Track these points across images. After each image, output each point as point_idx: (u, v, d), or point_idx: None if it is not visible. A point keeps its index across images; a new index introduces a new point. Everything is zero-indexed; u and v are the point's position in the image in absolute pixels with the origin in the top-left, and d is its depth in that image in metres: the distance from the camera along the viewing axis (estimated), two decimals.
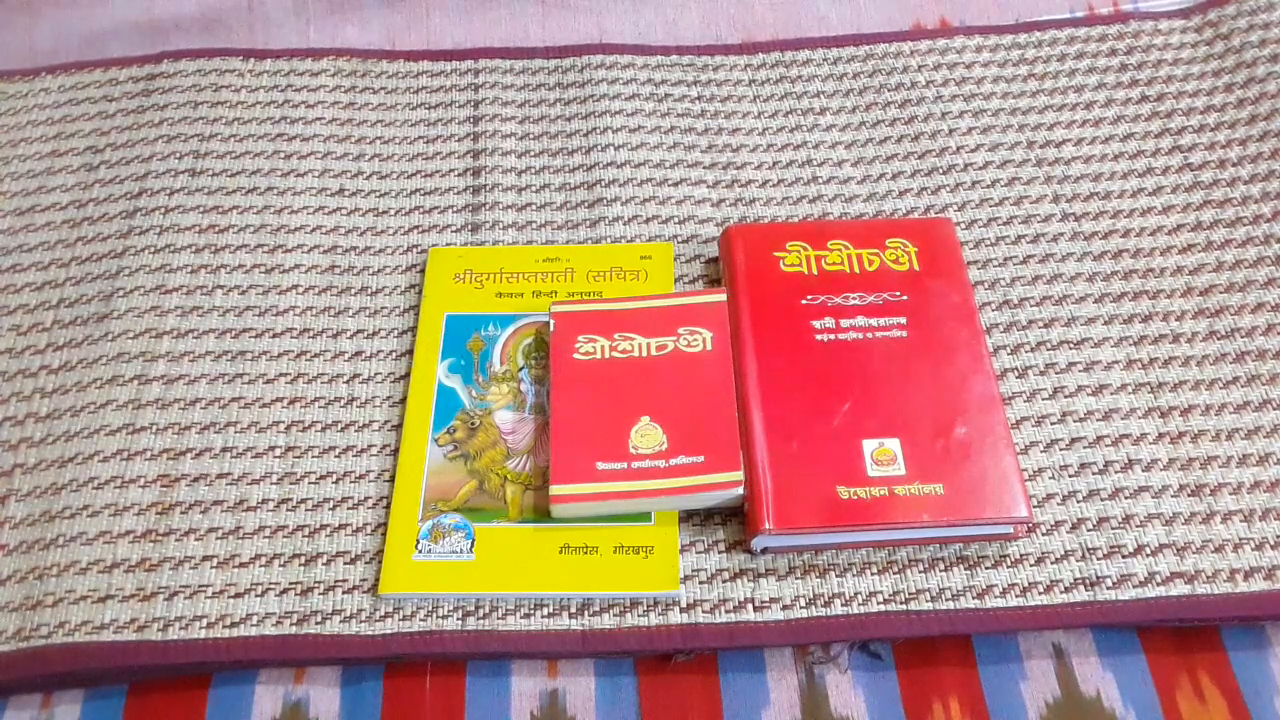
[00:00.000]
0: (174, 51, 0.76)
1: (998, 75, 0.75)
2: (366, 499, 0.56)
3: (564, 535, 0.54)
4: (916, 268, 0.61)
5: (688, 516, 0.55)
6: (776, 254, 0.61)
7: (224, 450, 0.58)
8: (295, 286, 0.64)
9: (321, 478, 0.57)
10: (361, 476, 0.57)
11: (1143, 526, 0.54)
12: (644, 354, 0.58)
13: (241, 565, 0.54)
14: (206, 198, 0.68)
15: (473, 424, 0.58)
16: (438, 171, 0.70)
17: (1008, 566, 0.53)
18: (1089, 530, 0.54)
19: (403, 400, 0.60)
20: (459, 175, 0.70)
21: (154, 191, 0.68)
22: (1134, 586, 0.52)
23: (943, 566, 0.53)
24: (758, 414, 0.55)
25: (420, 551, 0.53)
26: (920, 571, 0.53)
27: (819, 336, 0.58)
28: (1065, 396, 0.59)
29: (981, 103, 0.73)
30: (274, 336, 0.62)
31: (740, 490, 0.53)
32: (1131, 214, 0.66)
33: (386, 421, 0.59)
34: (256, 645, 0.51)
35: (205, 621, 0.52)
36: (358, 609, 0.53)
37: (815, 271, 0.61)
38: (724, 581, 0.53)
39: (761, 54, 0.77)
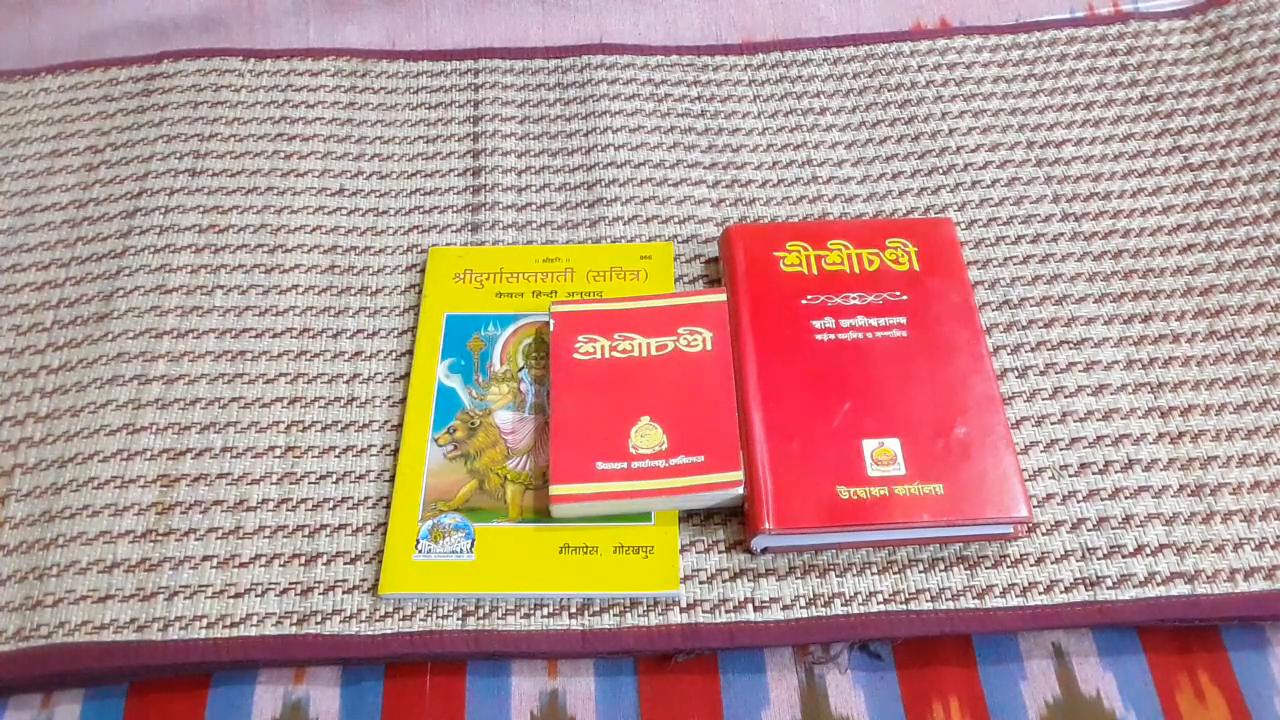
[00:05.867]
0: (174, 51, 0.76)
1: (998, 75, 0.75)
2: (366, 499, 0.56)
3: (564, 535, 0.54)
4: (916, 268, 0.61)
5: (688, 516, 0.55)
6: (776, 254, 0.61)
7: (224, 450, 0.58)
8: (295, 286, 0.64)
9: (321, 478, 0.57)
10: (361, 476, 0.57)
11: (1143, 526, 0.54)
12: (644, 354, 0.58)
13: (241, 565, 0.54)
14: (206, 198, 0.68)
15: (473, 424, 0.58)
16: (438, 171, 0.70)
17: (1008, 566, 0.53)
18: (1089, 530, 0.54)
19: (403, 400, 0.60)
20: (459, 175, 0.70)
21: (154, 191, 0.68)
22: (1134, 586, 0.52)
23: (943, 566, 0.53)
24: (758, 414, 0.55)
25: (420, 551, 0.53)
26: (920, 571, 0.53)
27: (819, 336, 0.58)
28: (1065, 396, 0.59)
29: (981, 103, 0.73)
30: (274, 336, 0.62)
31: (740, 490, 0.53)
32: (1131, 214, 0.66)
33: (386, 421, 0.59)
34: (256, 645, 0.51)
35: (205, 621, 0.52)
36: (358, 609, 0.53)
37: (815, 271, 0.61)
38: (724, 581, 0.53)
39: (761, 54, 0.77)
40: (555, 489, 0.53)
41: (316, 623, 0.52)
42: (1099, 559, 0.53)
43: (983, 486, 0.52)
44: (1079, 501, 0.55)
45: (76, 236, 0.67)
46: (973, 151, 0.70)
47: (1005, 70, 0.75)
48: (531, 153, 0.71)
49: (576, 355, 0.58)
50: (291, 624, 0.52)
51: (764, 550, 0.54)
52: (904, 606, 0.52)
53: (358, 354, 0.62)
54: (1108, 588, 0.52)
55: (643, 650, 0.51)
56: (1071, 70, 0.75)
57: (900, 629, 0.51)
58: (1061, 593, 0.52)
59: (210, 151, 0.70)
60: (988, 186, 0.68)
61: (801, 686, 0.52)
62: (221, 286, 0.64)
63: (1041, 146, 0.70)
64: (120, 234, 0.66)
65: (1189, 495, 0.55)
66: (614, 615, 0.52)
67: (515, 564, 0.53)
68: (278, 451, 0.58)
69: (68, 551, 0.54)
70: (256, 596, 0.53)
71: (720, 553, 0.54)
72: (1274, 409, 0.58)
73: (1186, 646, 0.53)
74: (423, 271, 0.65)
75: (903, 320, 0.58)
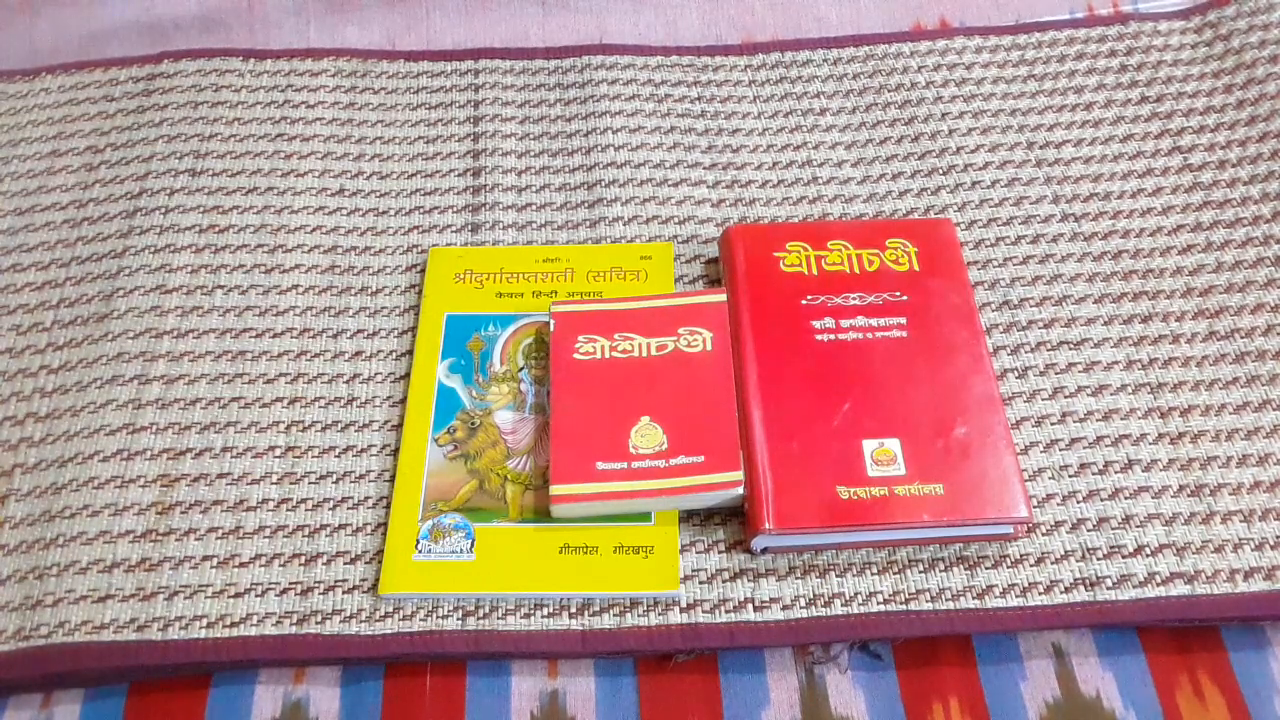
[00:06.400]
0: (174, 51, 0.76)
1: (998, 75, 0.75)
2: (366, 499, 0.56)
3: (564, 535, 0.54)
4: (916, 268, 0.61)
5: (688, 516, 0.55)
6: (776, 254, 0.61)
7: (224, 450, 0.58)
8: (295, 286, 0.64)
9: (321, 478, 0.57)
10: (361, 476, 0.57)
11: (1143, 526, 0.54)
12: (644, 354, 0.58)
13: (241, 565, 0.54)
14: (206, 198, 0.68)
15: (473, 424, 0.58)
16: (438, 171, 0.70)
17: (1008, 566, 0.53)
18: (1089, 530, 0.54)
19: (403, 400, 0.60)
20: (459, 175, 0.70)
21: (154, 191, 0.68)
22: (1134, 586, 0.52)
23: (943, 566, 0.53)
24: (758, 414, 0.55)
25: (420, 551, 0.53)
26: (920, 571, 0.53)
27: (819, 336, 0.58)
28: (1065, 396, 0.59)
29: (981, 103, 0.73)
30: (274, 336, 0.62)
31: (740, 490, 0.53)
32: (1131, 214, 0.66)
33: (386, 421, 0.59)
34: (256, 645, 0.51)
35: (205, 621, 0.52)
36: (358, 609, 0.53)
37: (815, 271, 0.61)
38: (724, 581, 0.53)
39: (761, 54, 0.77)
40: (555, 489, 0.53)
41: (316, 623, 0.52)
42: (1099, 559, 0.53)
43: (983, 486, 0.52)
44: (1079, 502, 0.55)
45: (76, 236, 0.67)
46: (973, 151, 0.70)
47: (1005, 70, 0.75)
48: (531, 153, 0.71)
49: (576, 355, 0.58)
50: (291, 624, 0.52)
51: (764, 550, 0.54)
52: (904, 606, 0.52)
53: (358, 354, 0.62)
54: (1108, 588, 0.52)
55: (643, 650, 0.51)
56: (1071, 71, 0.75)
57: (900, 629, 0.51)
58: (1061, 593, 0.52)
59: (210, 151, 0.70)
60: (988, 186, 0.68)
61: (801, 686, 0.52)
62: (221, 286, 0.64)
63: (1041, 147, 0.70)
64: (120, 234, 0.66)
65: (1189, 495, 0.55)
66: (614, 615, 0.52)
67: (515, 564, 0.53)
68: (278, 451, 0.58)
69: (68, 551, 0.54)
70: (256, 596, 0.53)
71: (720, 553, 0.54)
72: (1274, 409, 0.58)
73: (1186, 646, 0.53)
74: (423, 271, 0.65)
75: (903, 320, 0.58)
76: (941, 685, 0.52)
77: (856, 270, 0.61)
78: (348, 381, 0.60)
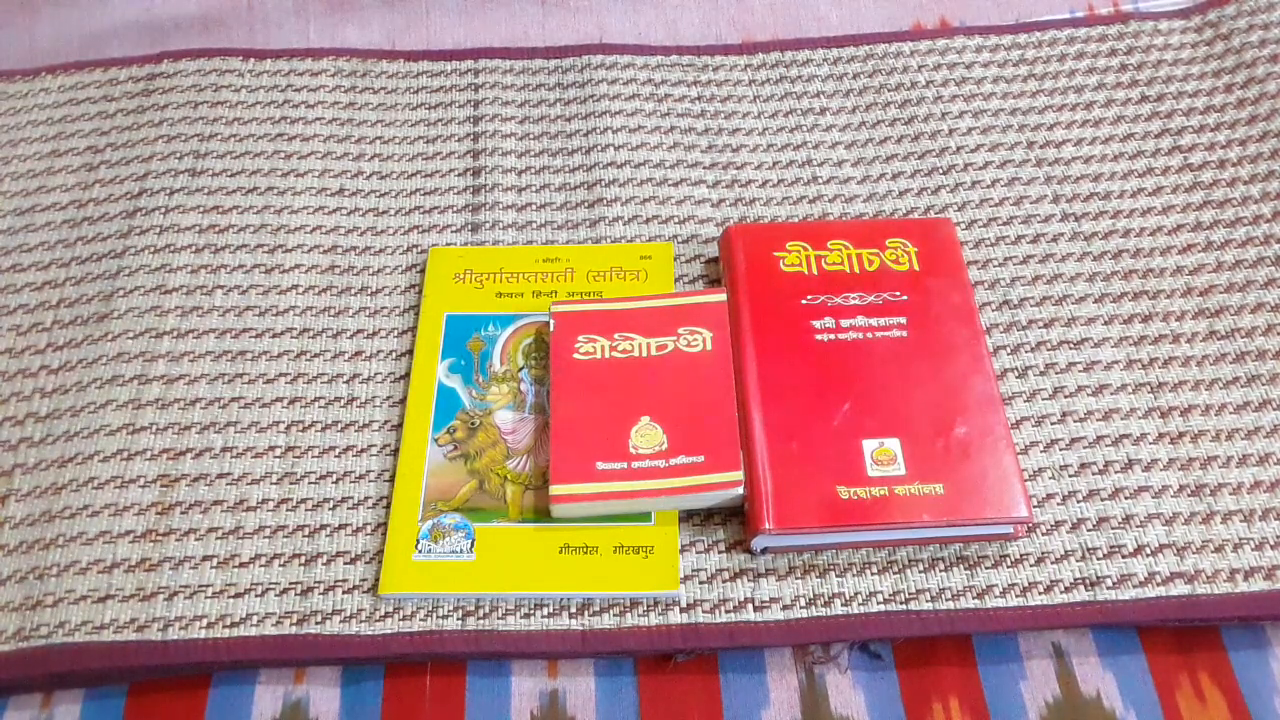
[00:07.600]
0: (174, 51, 0.76)
1: (998, 75, 0.75)
2: (366, 499, 0.56)
3: (564, 535, 0.54)
4: (916, 268, 0.61)
5: (688, 516, 0.55)
6: (776, 254, 0.61)
7: (224, 450, 0.58)
8: (295, 286, 0.64)
9: (321, 478, 0.57)
10: (361, 476, 0.57)
11: (1143, 526, 0.54)
12: (644, 354, 0.58)
13: (241, 565, 0.54)
14: (206, 198, 0.68)
15: (473, 424, 0.58)
16: (438, 171, 0.70)
17: (1008, 566, 0.53)
18: (1089, 530, 0.54)
19: (403, 400, 0.60)
20: (459, 175, 0.70)
21: (154, 191, 0.68)
22: (1134, 586, 0.52)
23: (943, 566, 0.53)
24: (758, 414, 0.55)
25: (420, 551, 0.53)
26: (920, 571, 0.53)
27: (819, 336, 0.58)
28: (1065, 396, 0.59)
29: (981, 103, 0.73)
30: (274, 336, 0.62)
31: (740, 490, 0.53)
32: (1131, 214, 0.66)
33: (386, 421, 0.59)
34: (256, 645, 0.51)
35: (205, 621, 0.52)
36: (358, 609, 0.53)
37: (815, 271, 0.61)
38: (724, 581, 0.53)
39: (761, 54, 0.77)
40: (555, 489, 0.53)
41: (316, 623, 0.52)
42: (1099, 559, 0.53)
43: (983, 486, 0.52)
44: (1079, 501, 0.55)
45: (76, 236, 0.67)
46: (973, 151, 0.70)
47: (1005, 70, 0.75)
48: (531, 153, 0.71)
49: (576, 355, 0.58)
50: (291, 624, 0.52)
51: (764, 550, 0.54)
52: (904, 606, 0.52)
53: (358, 354, 0.62)
54: (1108, 588, 0.52)
55: (643, 650, 0.51)
56: (1071, 70, 0.75)
57: (900, 629, 0.51)
58: (1061, 593, 0.52)
59: (210, 151, 0.70)
60: (988, 186, 0.68)
61: (801, 686, 0.52)
62: (221, 286, 0.64)
63: (1041, 146, 0.70)
64: (120, 234, 0.66)
65: (1189, 495, 0.55)
66: (614, 615, 0.52)
67: (515, 564, 0.53)
68: (278, 451, 0.58)
69: (68, 551, 0.54)
70: (256, 596, 0.53)
71: (720, 553, 0.54)
72: (1274, 409, 0.58)
73: (1186, 646, 0.53)
74: (423, 271, 0.65)
75: (903, 320, 0.58)
76: (941, 685, 0.52)
77: (856, 270, 0.61)
78: (348, 381, 0.60)
